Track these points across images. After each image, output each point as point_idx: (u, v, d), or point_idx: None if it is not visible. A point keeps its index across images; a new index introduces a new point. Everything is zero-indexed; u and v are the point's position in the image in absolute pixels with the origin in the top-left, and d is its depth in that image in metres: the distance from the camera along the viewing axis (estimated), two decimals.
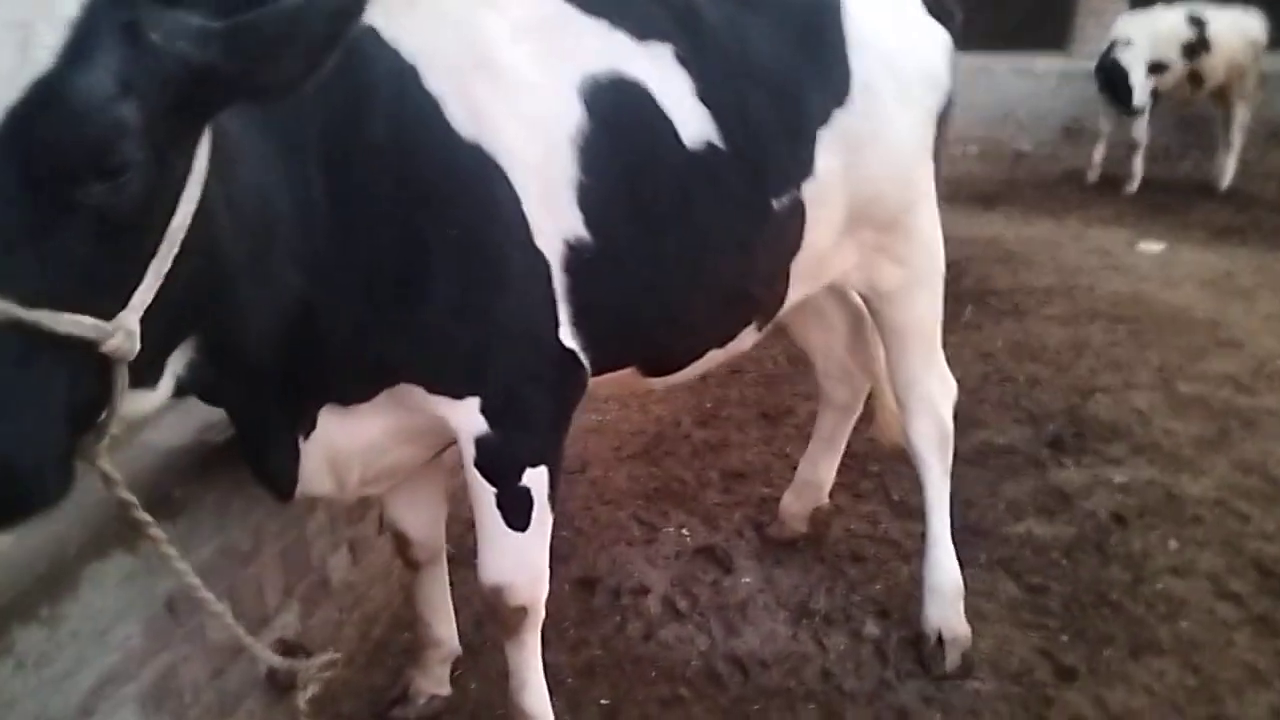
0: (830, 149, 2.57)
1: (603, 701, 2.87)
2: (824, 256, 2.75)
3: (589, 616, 3.23)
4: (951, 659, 3.02)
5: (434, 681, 2.87)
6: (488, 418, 2.09)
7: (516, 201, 2.00)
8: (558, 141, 2.08)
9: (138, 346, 1.45)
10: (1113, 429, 4.44)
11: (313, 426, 2.05)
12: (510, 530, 2.24)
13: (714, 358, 2.72)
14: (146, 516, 1.73)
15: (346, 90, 1.80)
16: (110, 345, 1.40)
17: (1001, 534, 3.65)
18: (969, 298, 6.07)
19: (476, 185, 1.97)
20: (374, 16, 1.85)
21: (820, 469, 3.62)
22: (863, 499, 3.90)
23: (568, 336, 2.16)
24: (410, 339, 1.97)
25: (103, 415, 1.49)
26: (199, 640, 2.27)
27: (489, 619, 2.69)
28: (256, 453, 2.05)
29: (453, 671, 2.92)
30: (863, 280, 2.94)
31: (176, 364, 1.70)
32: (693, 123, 2.28)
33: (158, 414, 1.92)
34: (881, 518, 3.78)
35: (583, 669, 2.99)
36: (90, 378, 1.43)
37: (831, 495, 3.65)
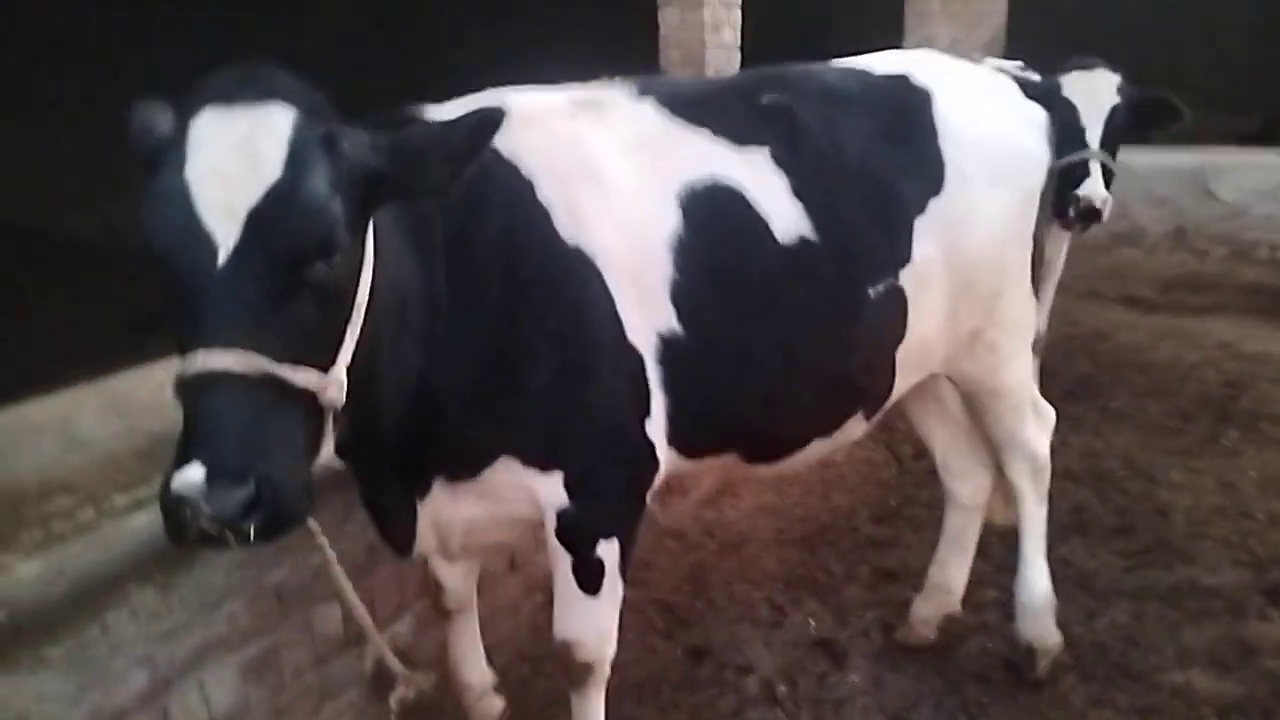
0: (928, 237, 2.70)
1: None
2: (929, 344, 2.84)
3: (688, 683, 3.38)
4: (1042, 666, 3.33)
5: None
6: (569, 492, 2.34)
7: (610, 300, 2.28)
8: (654, 244, 2.35)
9: (344, 397, 1.80)
10: None
11: (428, 492, 2.35)
12: (583, 594, 2.49)
13: (819, 447, 2.86)
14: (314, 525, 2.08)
15: (470, 197, 2.16)
16: (327, 396, 1.76)
17: (1154, 680, 3.34)
18: (1238, 420, 5.48)
19: (574, 284, 2.26)
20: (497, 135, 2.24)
21: (950, 572, 3.55)
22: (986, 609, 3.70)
23: (657, 426, 2.40)
24: (509, 418, 2.26)
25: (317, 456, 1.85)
26: (305, 630, 2.73)
27: (560, 672, 2.91)
28: (378, 511, 2.41)
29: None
30: (957, 371, 3.06)
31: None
32: (786, 219, 2.50)
33: None
34: None
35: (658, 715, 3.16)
36: (312, 423, 1.77)
37: (977, 608, 3.55)
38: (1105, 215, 4.34)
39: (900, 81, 2.84)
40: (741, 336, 2.48)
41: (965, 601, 3.65)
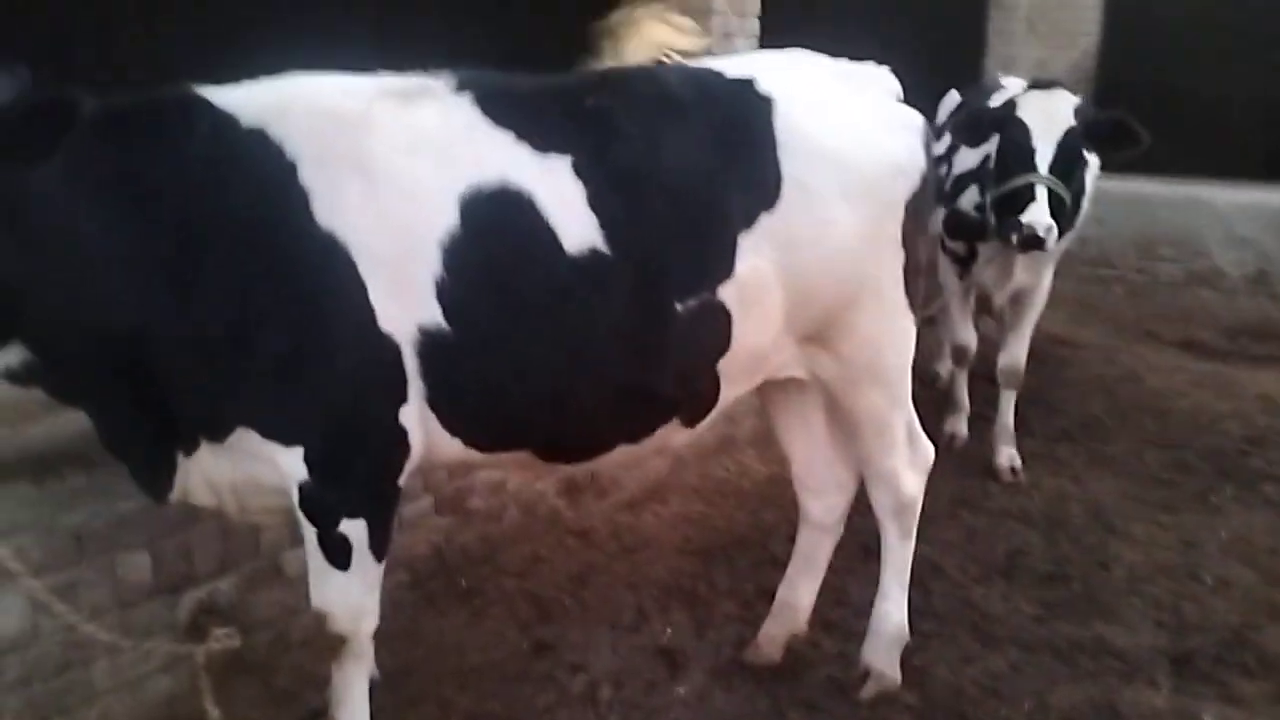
0: (758, 251, 2.65)
1: None
2: (760, 353, 2.81)
3: (518, 675, 3.41)
4: (868, 690, 3.31)
5: None
6: (309, 467, 2.41)
7: (361, 288, 2.33)
8: (421, 240, 2.38)
9: None
10: (1275, 666, 3.55)
11: (195, 448, 2.45)
12: (331, 568, 2.55)
13: (630, 451, 2.84)
14: None
15: (222, 172, 2.29)
16: None
17: None
18: (1240, 479, 5.07)
19: (317, 269, 2.33)
20: (267, 118, 2.35)
21: (798, 592, 3.47)
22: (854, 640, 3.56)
23: (413, 414, 2.45)
24: (240, 388, 2.35)
25: None
26: (108, 572, 2.91)
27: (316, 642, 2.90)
28: (120, 455, 2.52)
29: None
30: (803, 369, 3.01)
31: (5, 359, 2.24)
32: (577, 229, 2.47)
33: None
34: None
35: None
36: None
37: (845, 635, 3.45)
38: (1050, 243, 4.11)
39: (743, 88, 2.77)
40: (519, 340, 2.48)
41: (832, 628, 3.55)
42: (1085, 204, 4.96)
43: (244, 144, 2.31)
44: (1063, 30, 9.26)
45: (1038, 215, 4.04)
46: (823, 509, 3.40)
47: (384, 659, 3.29)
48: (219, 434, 2.41)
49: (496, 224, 2.44)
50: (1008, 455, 5.11)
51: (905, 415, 3.20)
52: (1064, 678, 3.48)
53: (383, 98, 2.48)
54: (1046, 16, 9.30)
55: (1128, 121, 4.02)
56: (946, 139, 4.98)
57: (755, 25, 5.91)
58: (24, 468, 2.72)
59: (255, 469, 2.45)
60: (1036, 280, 4.89)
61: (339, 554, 2.53)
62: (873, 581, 3.42)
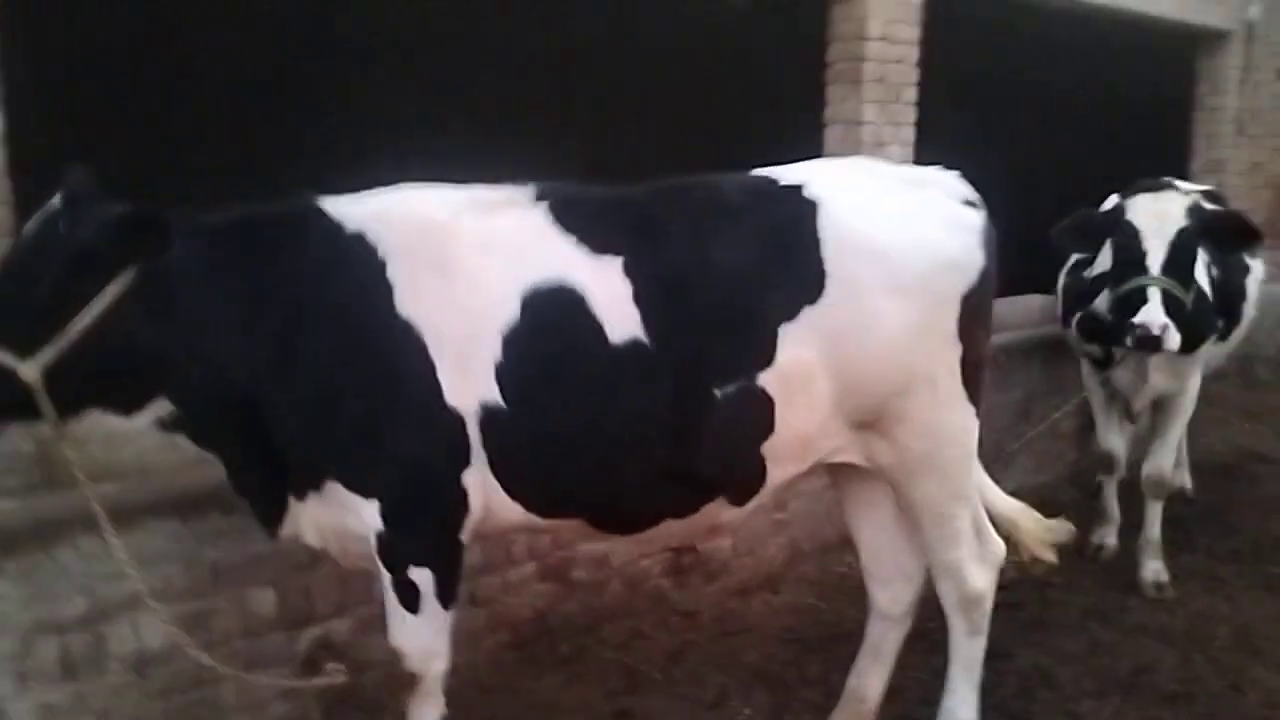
0: (801, 341, 2.86)
1: None
2: (807, 437, 2.98)
3: None
4: None
5: None
6: (383, 519, 2.80)
7: (431, 368, 2.74)
8: (486, 330, 2.76)
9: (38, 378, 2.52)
10: None
11: (303, 495, 2.88)
12: (405, 611, 2.92)
13: (675, 527, 3.08)
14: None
15: (327, 263, 2.79)
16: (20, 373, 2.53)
17: None
18: None
19: (395, 350, 2.75)
20: (369, 223, 2.82)
21: (866, 681, 3.50)
22: None
23: (475, 478, 2.81)
24: (329, 447, 2.80)
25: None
26: (237, 603, 3.41)
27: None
28: (245, 495, 2.98)
29: None
30: (861, 456, 3.12)
31: (157, 410, 2.78)
32: (621, 323, 2.79)
33: None
34: None
35: None
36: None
37: None
38: (1169, 344, 3.99)
39: (791, 193, 3.00)
40: (567, 421, 2.80)
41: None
42: (1249, 309, 4.75)
43: (347, 245, 2.79)
44: (1276, 132, 8.77)
45: (1151, 315, 3.96)
46: (889, 599, 3.44)
47: (478, 709, 3.60)
48: (316, 483, 2.84)
49: (550, 317, 2.78)
50: (1153, 570, 4.85)
51: (970, 508, 3.23)
52: None
53: (471, 206, 2.91)
54: (1258, 118, 8.85)
55: (1242, 217, 3.91)
56: None
57: (910, 134, 6.09)
58: (173, 508, 3.28)
59: (345, 517, 2.85)
60: (1180, 385, 4.70)
61: (410, 598, 2.89)
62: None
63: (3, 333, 2.53)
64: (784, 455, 2.96)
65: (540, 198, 2.92)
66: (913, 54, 5.99)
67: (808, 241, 2.90)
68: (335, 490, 2.81)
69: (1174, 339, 3.99)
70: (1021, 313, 6.21)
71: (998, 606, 4.65)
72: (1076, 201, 5.24)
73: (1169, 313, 3.99)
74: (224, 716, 3.44)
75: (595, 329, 2.76)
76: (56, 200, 2.61)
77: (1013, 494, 5.85)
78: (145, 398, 2.74)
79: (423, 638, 2.93)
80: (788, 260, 2.89)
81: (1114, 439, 5.14)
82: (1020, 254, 5.38)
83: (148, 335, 2.65)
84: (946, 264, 2.99)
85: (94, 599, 3.15)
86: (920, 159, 6.07)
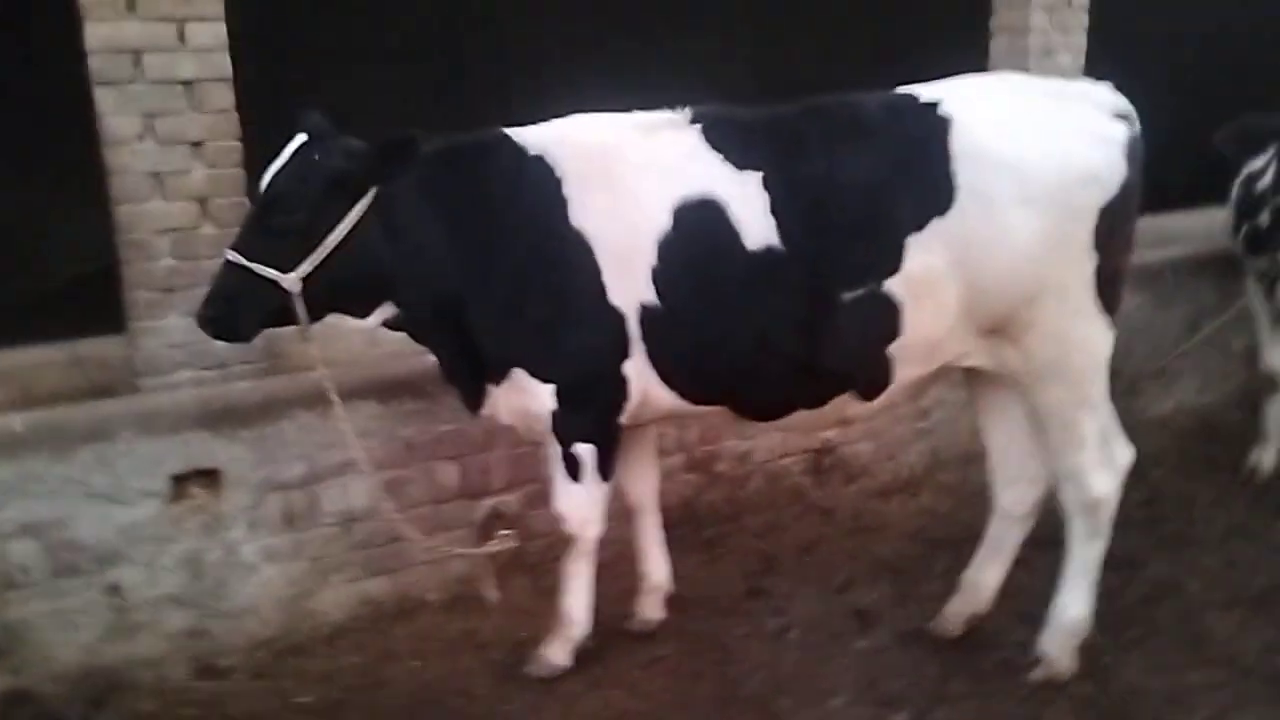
0: (928, 249, 3.10)
1: None
2: (937, 340, 3.24)
3: (728, 605, 4.06)
4: (1036, 674, 3.52)
5: (647, 607, 3.95)
6: (557, 400, 3.31)
7: (598, 271, 3.19)
8: (643, 239, 3.17)
9: (299, 288, 3.07)
10: None
11: (499, 381, 3.40)
12: (569, 480, 3.43)
13: (811, 415, 3.43)
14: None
15: (516, 182, 3.24)
16: (284, 284, 3.08)
17: None
18: None
19: (570, 256, 3.20)
20: (549, 147, 3.24)
21: (983, 574, 3.75)
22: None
23: (635, 367, 3.26)
24: (515, 339, 3.30)
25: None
26: (428, 474, 3.99)
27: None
28: (453, 383, 3.52)
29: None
30: (989, 361, 3.33)
31: (385, 312, 3.29)
32: (756, 231, 3.13)
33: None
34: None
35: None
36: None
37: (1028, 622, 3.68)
38: None
39: (926, 110, 3.18)
40: (711, 318, 3.19)
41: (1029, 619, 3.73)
42: None
43: (530, 166, 3.22)
44: None
45: None
46: (1012, 499, 3.65)
47: (630, 575, 4.04)
48: (505, 371, 3.34)
49: (697, 226, 3.14)
50: None
51: (1098, 416, 3.37)
52: (1259, 700, 3.43)
53: (634, 130, 3.28)
54: None
55: None
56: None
57: (1081, 40, 5.93)
58: (373, 392, 3.86)
59: (528, 400, 3.34)
60: None
61: (574, 469, 3.38)
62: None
63: (270, 252, 3.06)
64: (911, 356, 3.22)
65: (695, 120, 3.25)
66: None
67: (938, 156, 3.09)
68: (520, 377, 3.30)
69: None
70: (1197, 226, 6.05)
71: (1139, 519, 4.83)
72: (1261, 110, 5.06)
73: None
74: (412, 568, 4.07)
75: (734, 236, 3.10)
76: (302, 137, 3.12)
77: (1173, 413, 5.92)
78: (376, 302, 3.29)
79: (582, 505, 3.43)
80: (918, 174, 3.10)
81: (1277, 357, 5.03)
82: (1198, 164, 5.27)
83: (380, 249, 3.17)
84: (1083, 176, 3.09)
85: (311, 464, 3.80)
86: (1093, 67, 5.95)
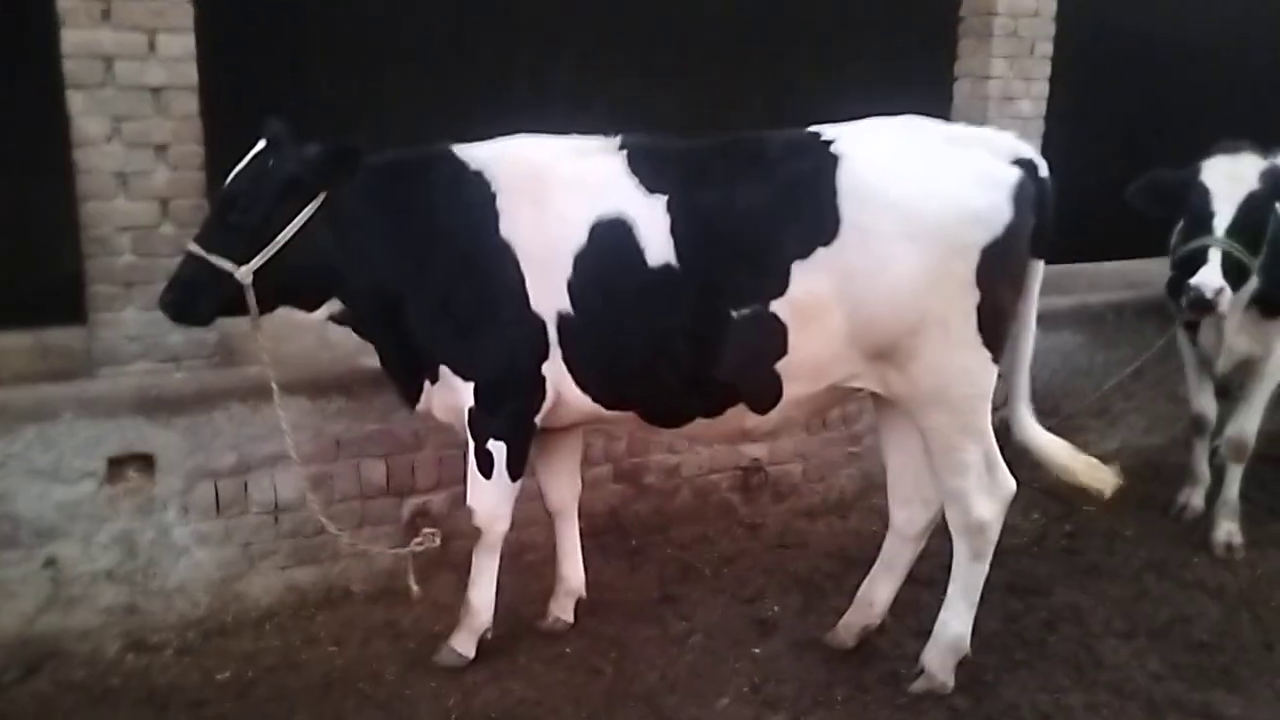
0: (813, 276, 3.29)
1: None
2: (823, 362, 3.43)
3: (638, 610, 4.22)
4: (917, 685, 3.68)
5: (559, 608, 4.16)
6: (475, 398, 3.56)
7: (521, 279, 3.45)
8: (562, 251, 3.44)
9: (249, 281, 3.35)
10: None
11: (434, 379, 3.66)
12: (480, 476, 3.66)
13: (705, 426, 3.63)
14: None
15: (455, 193, 3.51)
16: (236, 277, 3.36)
17: None
18: None
19: (496, 264, 3.47)
20: (488, 163, 3.52)
21: (875, 589, 3.91)
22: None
23: (553, 370, 3.51)
24: (442, 338, 3.56)
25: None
26: (355, 472, 4.20)
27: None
28: (391, 378, 3.80)
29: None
30: (877, 384, 3.50)
31: (330, 308, 3.59)
32: (657, 250, 3.38)
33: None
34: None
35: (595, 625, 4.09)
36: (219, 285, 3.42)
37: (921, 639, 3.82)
38: (1222, 306, 4.06)
39: (821, 147, 3.38)
40: (616, 328, 3.44)
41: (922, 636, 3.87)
42: None
43: (469, 180, 3.50)
44: None
45: (1205, 277, 4.03)
46: (905, 519, 3.81)
47: (548, 576, 4.22)
48: (435, 367, 3.59)
49: (608, 243, 3.39)
50: (1226, 530, 4.91)
51: (982, 444, 3.51)
52: None
53: (567, 152, 3.56)
54: None
55: None
56: None
57: (1043, 88, 6.10)
58: (305, 389, 4.08)
59: (453, 397, 3.60)
60: (1264, 350, 4.69)
61: (485, 465, 3.61)
62: (981, 604, 3.70)
63: (226, 246, 3.37)
64: (798, 374, 3.42)
65: (622, 146, 3.52)
66: (1050, 7, 6.00)
67: (826, 190, 3.29)
68: (446, 374, 3.55)
69: (1225, 301, 4.04)
70: (1145, 273, 6.19)
71: (1057, 550, 4.96)
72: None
73: (1230, 276, 4.05)
74: (339, 560, 4.27)
75: (639, 253, 3.36)
76: (262, 143, 3.43)
77: (1117, 452, 6.03)
78: (323, 297, 3.59)
79: (491, 500, 3.65)
80: (806, 206, 3.30)
81: (1203, 400, 5.16)
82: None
83: (328, 248, 3.46)
84: (966, 216, 3.25)
85: (241, 454, 4.02)
86: (1055, 113, 6.13)
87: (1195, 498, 5.33)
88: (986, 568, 3.65)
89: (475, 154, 3.55)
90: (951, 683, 3.65)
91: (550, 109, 3.97)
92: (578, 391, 3.54)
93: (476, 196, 3.47)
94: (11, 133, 4.02)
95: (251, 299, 3.38)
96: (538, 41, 4.89)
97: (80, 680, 3.77)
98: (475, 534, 3.73)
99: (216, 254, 3.35)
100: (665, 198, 3.37)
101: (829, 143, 3.38)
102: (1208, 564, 4.84)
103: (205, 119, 4.00)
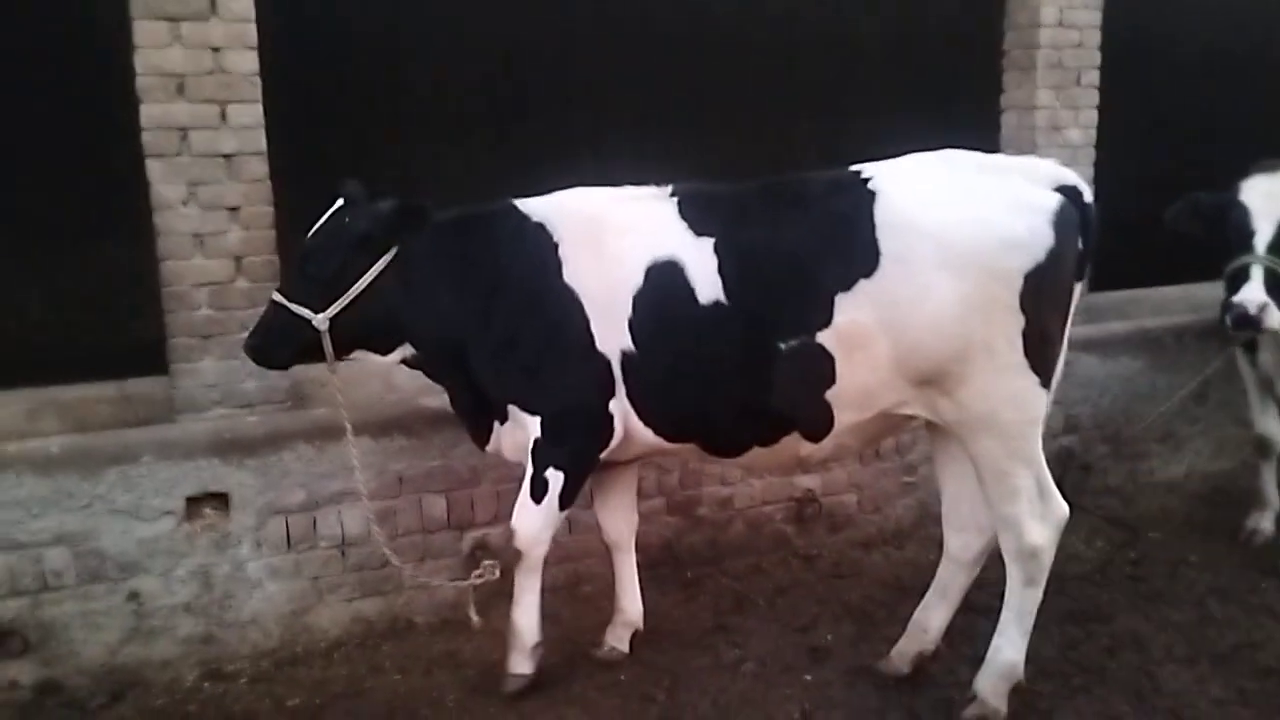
0: (857, 307, 3.41)
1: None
2: (871, 389, 3.52)
3: (692, 639, 4.30)
4: (969, 712, 3.64)
5: (615, 638, 4.29)
6: (541, 430, 3.73)
7: (586, 321, 3.64)
8: (621, 293, 3.63)
9: (326, 326, 3.63)
10: None
11: (504, 419, 3.87)
12: (530, 500, 3.80)
13: (762, 455, 3.75)
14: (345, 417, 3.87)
15: (518, 243, 3.74)
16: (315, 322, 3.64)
17: None
18: None
19: (561, 307, 3.66)
20: (549, 215, 3.74)
21: (930, 616, 3.92)
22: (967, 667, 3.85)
23: (619, 406, 3.68)
24: (511, 376, 3.75)
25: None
26: (417, 507, 4.38)
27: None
28: (462, 417, 4.02)
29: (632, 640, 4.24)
30: (926, 411, 3.56)
31: (403, 352, 3.83)
32: (707, 288, 3.55)
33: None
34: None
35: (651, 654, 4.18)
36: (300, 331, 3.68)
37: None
38: (1267, 322, 4.03)
39: (858, 185, 3.50)
40: (674, 363, 3.61)
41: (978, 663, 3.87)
42: None
43: (532, 232, 3.73)
44: None
45: (1248, 294, 4.02)
46: (960, 545, 3.83)
47: (607, 606, 4.33)
48: (504, 408, 3.80)
49: (663, 283, 3.58)
50: None
51: (1033, 469, 3.51)
52: None
53: (621, 201, 3.77)
54: None
55: None
56: None
57: (1091, 117, 6.12)
58: (369, 429, 4.28)
59: (522, 434, 3.78)
60: None
61: (539, 491, 3.75)
62: (1040, 631, 3.71)
63: (307, 296, 3.65)
64: (847, 402, 3.51)
65: (673, 194, 3.72)
66: (1093, 37, 6.04)
67: (864, 225, 3.41)
68: (516, 413, 3.75)
69: (1273, 318, 4.01)
70: (1211, 297, 6.11)
71: (1120, 577, 4.90)
72: None
73: (1273, 292, 4.02)
74: (403, 592, 4.44)
75: (690, 292, 3.53)
76: (339, 201, 3.73)
77: (1185, 477, 5.94)
78: (396, 343, 3.83)
79: (536, 525, 3.79)
80: (846, 240, 3.43)
81: (1267, 421, 5.07)
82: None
83: (399, 297, 3.72)
84: (1006, 242, 3.31)
85: (309, 492, 4.23)
86: (1111, 140, 6.14)
87: (1264, 522, 5.22)
88: (1040, 593, 3.61)
89: (535, 207, 3.78)
90: (1005, 710, 3.63)
91: (610, 165, 4.15)
92: (641, 425, 3.70)
93: (540, 245, 3.69)
94: (97, 200, 4.37)
95: (328, 344, 3.64)
96: (593, 104, 5.13)
97: (160, 707, 3.98)
98: (515, 556, 3.84)
99: (297, 302, 3.63)
100: (713, 239, 3.55)
101: (866, 180, 3.50)
102: (1276, 589, 4.73)
103: (274, 181, 4.30)
